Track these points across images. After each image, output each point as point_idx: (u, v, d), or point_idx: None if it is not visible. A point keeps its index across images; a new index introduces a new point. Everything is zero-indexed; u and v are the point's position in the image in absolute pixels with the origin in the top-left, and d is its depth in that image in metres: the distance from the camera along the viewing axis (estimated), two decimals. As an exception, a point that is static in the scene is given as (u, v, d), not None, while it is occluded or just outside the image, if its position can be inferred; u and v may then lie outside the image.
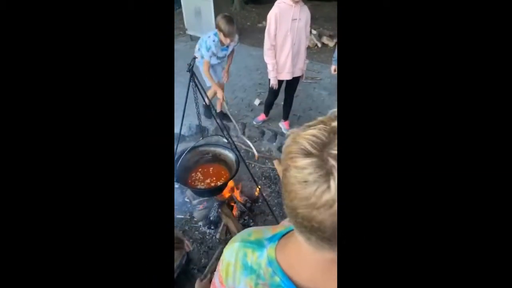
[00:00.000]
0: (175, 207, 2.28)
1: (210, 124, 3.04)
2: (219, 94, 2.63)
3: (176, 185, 2.42)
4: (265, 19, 2.74)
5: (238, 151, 1.97)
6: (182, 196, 2.38)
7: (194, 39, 4.90)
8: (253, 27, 6.12)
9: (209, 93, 2.90)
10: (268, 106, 3.02)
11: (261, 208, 2.32)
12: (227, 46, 2.62)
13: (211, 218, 2.14)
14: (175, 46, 4.75)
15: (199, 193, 1.97)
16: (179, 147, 1.93)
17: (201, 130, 2.07)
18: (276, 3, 2.31)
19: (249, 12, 7.17)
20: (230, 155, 1.98)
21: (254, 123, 3.12)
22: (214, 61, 2.68)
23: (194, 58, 1.66)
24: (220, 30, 2.40)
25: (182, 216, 2.22)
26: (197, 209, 2.25)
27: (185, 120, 3.26)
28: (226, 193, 2.20)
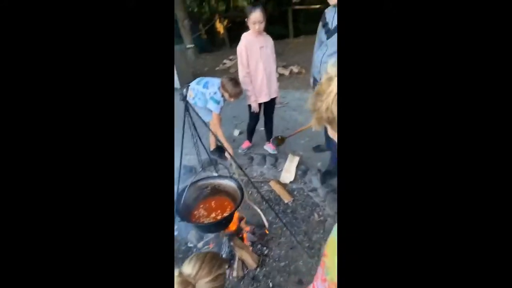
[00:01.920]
0: (179, 256, 2.06)
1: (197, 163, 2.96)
2: (228, 149, 2.59)
3: (176, 231, 2.23)
4: (218, 63, 2.93)
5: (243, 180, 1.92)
6: (183, 242, 2.17)
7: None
8: (212, 70, 6.47)
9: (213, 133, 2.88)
10: (250, 132, 3.09)
11: (272, 231, 2.21)
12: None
13: (224, 255, 1.96)
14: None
15: (207, 228, 1.83)
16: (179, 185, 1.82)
17: (207, 164, 2.00)
18: (242, 37, 2.59)
19: (204, 59, 7.64)
20: (230, 183, 1.92)
21: (240, 151, 3.12)
22: (205, 114, 2.73)
23: (188, 85, 1.65)
24: (226, 91, 2.56)
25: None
26: (206, 250, 2.06)
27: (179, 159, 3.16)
28: (232, 226, 2.07)
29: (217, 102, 2.60)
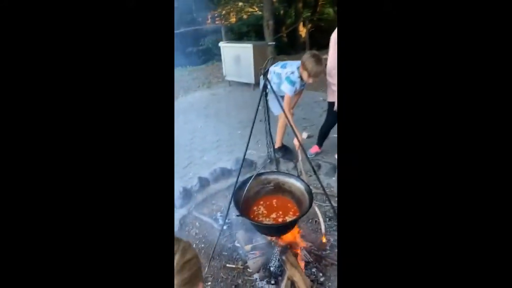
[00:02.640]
0: (224, 253, 1.87)
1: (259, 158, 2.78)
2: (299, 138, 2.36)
3: (226, 226, 2.05)
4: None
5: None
6: (231, 239, 1.98)
7: (232, 84, 5.08)
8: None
9: (280, 126, 2.70)
10: (323, 136, 2.75)
11: (331, 256, 1.82)
12: (305, 84, 2.45)
13: (271, 268, 1.68)
14: (215, 91, 4.95)
15: (265, 229, 1.57)
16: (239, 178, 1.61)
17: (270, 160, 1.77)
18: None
19: (282, 59, 7.55)
20: (297, 184, 1.62)
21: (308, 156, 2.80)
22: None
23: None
24: (305, 69, 2.24)
25: (233, 266, 1.78)
26: (252, 256, 1.82)
27: (231, 155, 3.07)
28: (288, 236, 1.77)
29: (292, 83, 2.28)
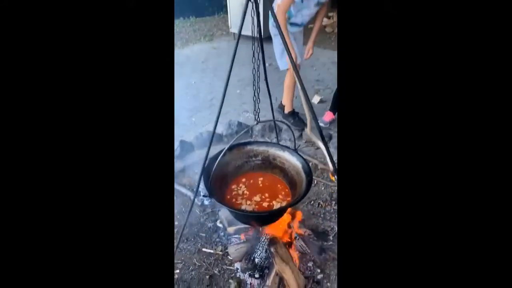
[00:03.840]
0: (201, 234, 1.53)
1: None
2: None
3: (207, 201, 1.69)
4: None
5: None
6: (213, 218, 1.63)
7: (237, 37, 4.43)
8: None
9: (288, 83, 2.18)
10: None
11: (333, 249, 1.46)
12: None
13: (256, 259, 1.33)
14: (216, 44, 4.33)
15: (243, 218, 1.18)
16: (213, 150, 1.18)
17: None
18: None
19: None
20: (292, 160, 1.19)
21: (322, 124, 2.31)
22: (294, 28, 1.97)
23: None
24: None
25: (212, 251, 1.45)
26: (235, 241, 1.47)
27: (224, 117, 2.64)
28: (280, 224, 1.39)
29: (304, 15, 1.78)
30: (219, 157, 1.02)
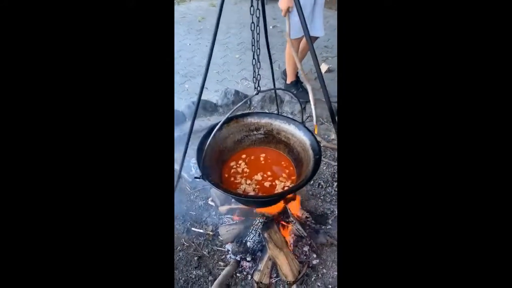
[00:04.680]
0: (191, 212, 1.42)
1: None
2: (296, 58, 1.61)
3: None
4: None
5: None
6: (204, 195, 1.51)
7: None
8: None
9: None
10: None
11: (332, 233, 1.36)
12: None
13: (248, 243, 1.23)
14: (217, 1, 3.90)
15: (241, 201, 1.05)
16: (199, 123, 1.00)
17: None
18: None
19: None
20: (299, 134, 1.02)
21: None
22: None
23: None
24: None
25: (202, 231, 1.35)
26: (227, 221, 1.36)
27: (221, 85, 2.41)
28: (278, 206, 1.27)
29: None
30: (214, 132, 0.85)
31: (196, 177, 0.84)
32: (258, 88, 0.84)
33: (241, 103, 0.92)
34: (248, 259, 1.22)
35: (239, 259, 1.23)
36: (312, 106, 1.25)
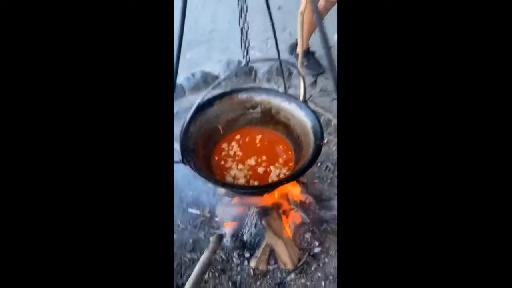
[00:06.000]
0: (188, 193, 1.35)
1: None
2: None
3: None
4: None
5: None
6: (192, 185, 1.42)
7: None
8: None
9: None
10: None
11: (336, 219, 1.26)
12: None
13: (245, 236, 1.15)
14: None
15: (231, 190, 0.95)
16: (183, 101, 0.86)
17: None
18: None
19: None
20: (300, 114, 0.88)
21: None
22: None
23: None
24: None
25: (198, 212, 1.29)
26: (224, 201, 1.29)
27: (224, 54, 2.21)
28: (278, 191, 1.16)
29: None
30: (200, 104, 0.72)
31: (176, 161, 0.74)
32: (248, 57, 0.68)
33: (224, 76, 0.77)
34: (247, 255, 1.15)
35: (236, 255, 1.16)
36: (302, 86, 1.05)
